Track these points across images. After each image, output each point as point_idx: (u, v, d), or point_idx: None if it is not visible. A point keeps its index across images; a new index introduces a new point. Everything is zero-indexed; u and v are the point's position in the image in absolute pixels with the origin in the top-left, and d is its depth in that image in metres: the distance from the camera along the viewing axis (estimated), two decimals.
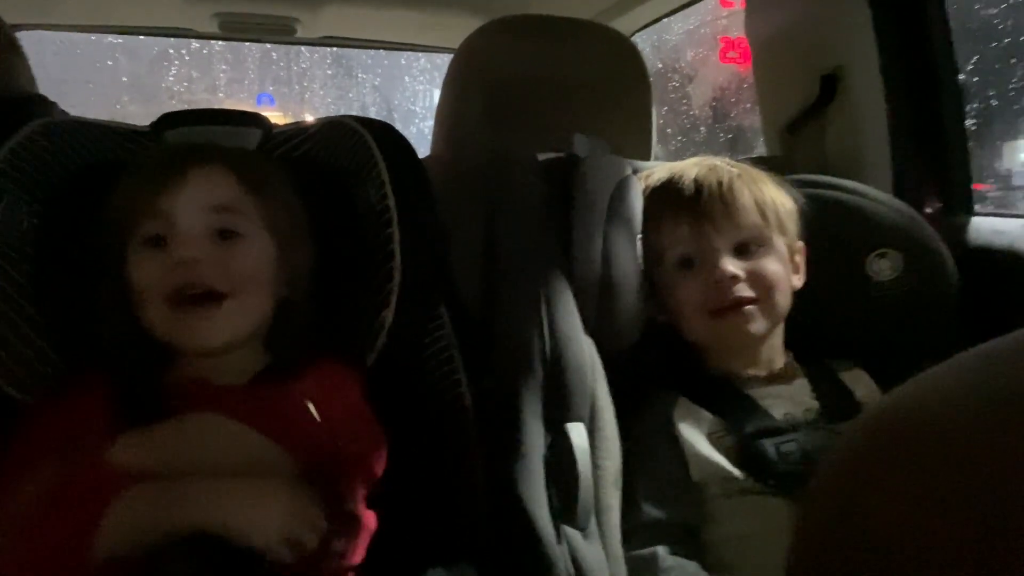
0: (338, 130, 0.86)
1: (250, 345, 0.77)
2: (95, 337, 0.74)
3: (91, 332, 0.74)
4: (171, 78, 3.06)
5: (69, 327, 0.76)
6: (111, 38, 2.81)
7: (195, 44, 2.98)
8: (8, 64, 1.18)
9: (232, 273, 0.72)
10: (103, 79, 2.93)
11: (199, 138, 0.82)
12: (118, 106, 2.88)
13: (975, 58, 1.24)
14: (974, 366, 0.25)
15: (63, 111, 0.93)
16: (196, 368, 0.74)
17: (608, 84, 1.25)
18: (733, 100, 2.29)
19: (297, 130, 0.88)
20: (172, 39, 2.78)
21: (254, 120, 0.87)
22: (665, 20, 1.93)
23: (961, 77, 1.14)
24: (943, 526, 0.24)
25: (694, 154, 1.02)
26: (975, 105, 1.21)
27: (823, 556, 0.28)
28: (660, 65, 2.36)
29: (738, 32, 1.86)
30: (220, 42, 2.73)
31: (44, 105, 0.96)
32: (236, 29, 1.92)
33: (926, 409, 0.26)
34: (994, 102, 1.27)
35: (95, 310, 0.74)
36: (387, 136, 0.85)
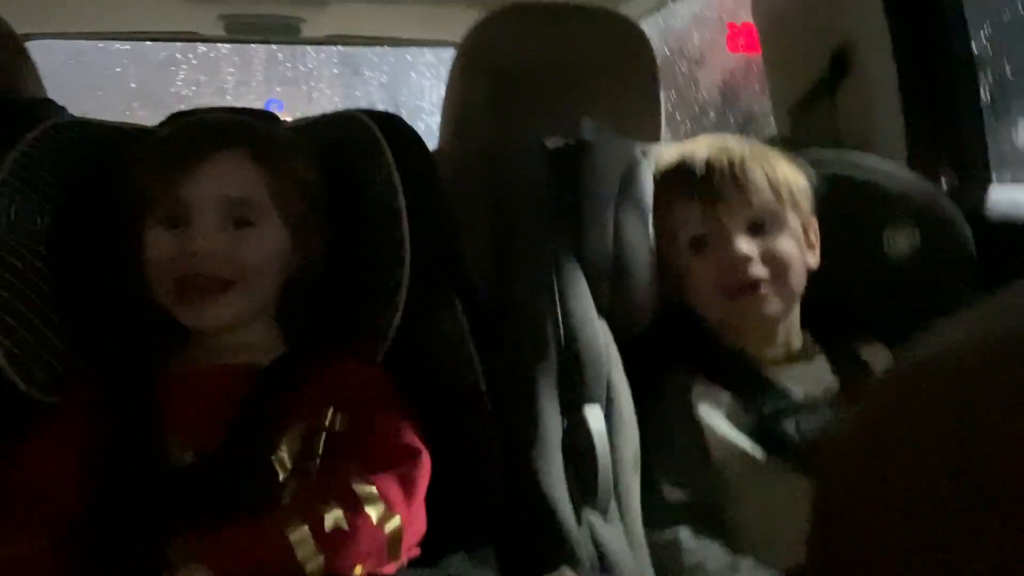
0: (345, 121, 0.86)
1: (261, 323, 0.78)
2: (108, 329, 0.75)
3: (105, 326, 0.75)
4: (179, 82, 3.07)
5: (85, 326, 0.77)
6: (119, 45, 2.83)
7: (202, 48, 2.99)
8: (19, 73, 1.20)
9: (242, 262, 0.74)
10: (112, 86, 2.95)
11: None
12: (127, 112, 2.89)
13: (988, 29, 1.22)
14: (993, 312, 0.25)
15: (72, 116, 0.94)
16: (209, 349, 0.76)
17: (616, 69, 1.24)
18: (742, 84, 2.27)
19: (305, 123, 0.89)
20: (179, 44, 2.80)
21: (263, 116, 0.88)
22: (672, 5, 1.92)
23: (974, 48, 1.12)
24: (970, 476, 0.23)
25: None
26: (988, 76, 1.19)
27: (844, 520, 0.27)
28: (667, 51, 2.35)
29: (745, 16, 1.85)
30: (227, 45, 2.74)
31: (54, 109, 0.97)
32: (242, 31, 1.93)
33: (938, 362, 0.25)
34: (1009, 74, 1.25)
35: (109, 298, 0.76)
36: (394, 126, 0.86)
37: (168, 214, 0.74)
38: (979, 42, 1.16)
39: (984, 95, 1.15)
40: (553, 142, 1.00)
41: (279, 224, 0.77)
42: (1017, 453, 0.22)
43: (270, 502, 0.67)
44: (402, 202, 0.80)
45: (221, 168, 0.75)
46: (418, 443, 0.72)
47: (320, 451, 0.72)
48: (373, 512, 0.65)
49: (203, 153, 0.74)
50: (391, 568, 0.66)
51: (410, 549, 0.69)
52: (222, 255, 0.73)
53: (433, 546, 0.71)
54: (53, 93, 1.55)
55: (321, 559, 0.61)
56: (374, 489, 0.66)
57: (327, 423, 0.73)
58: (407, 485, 0.69)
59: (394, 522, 0.66)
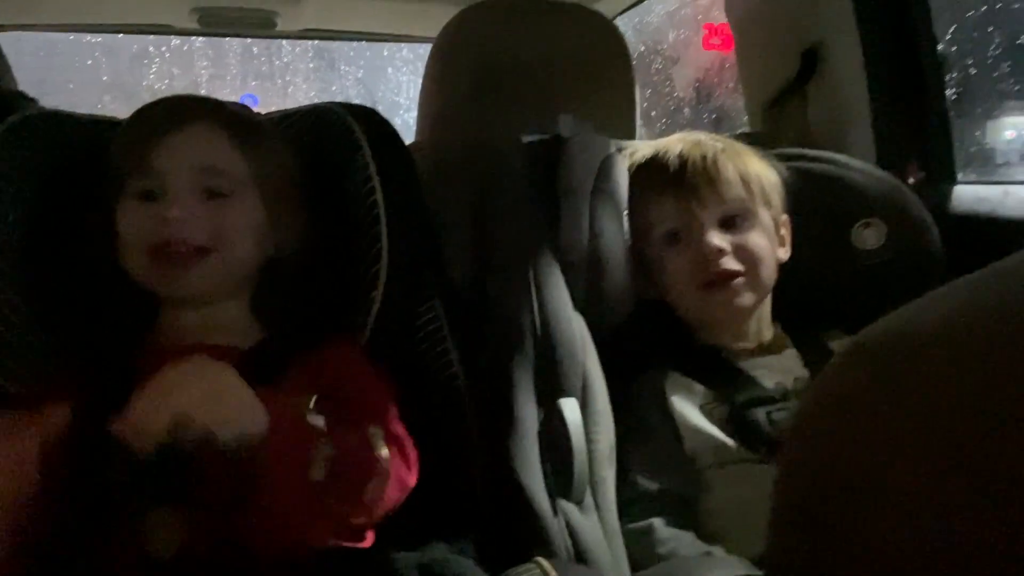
0: (322, 115, 0.86)
1: (237, 302, 0.77)
2: (83, 314, 0.75)
3: (80, 312, 0.75)
4: (152, 76, 3.03)
5: (60, 314, 0.76)
6: (90, 38, 2.78)
7: (175, 41, 2.95)
8: None
9: (217, 230, 0.73)
10: (84, 79, 2.90)
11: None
12: (99, 106, 2.85)
13: (953, 27, 1.25)
14: (955, 292, 0.26)
15: (44, 108, 0.93)
16: (183, 328, 0.75)
17: (591, 66, 1.25)
18: (716, 81, 2.29)
19: (282, 116, 0.88)
20: (152, 37, 2.76)
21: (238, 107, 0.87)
22: (646, 2, 1.93)
23: (940, 47, 1.15)
24: (934, 450, 0.23)
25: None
26: (954, 75, 1.22)
27: (808, 498, 0.27)
28: (643, 47, 2.36)
29: (719, 14, 1.86)
30: (200, 38, 2.71)
31: (25, 102, 0.96)
32: (215, 24, 1.91)
33: (909, 334, 0.25)
34: (972, 71, 1.28)
35: (84, 282, 0.75)
36: (371, 121, 0.86)
37: (142, 188, 0.73)
38: (945, 42, 1.19)
39: (949, 94, 1.17)
40: (530, 137, 1.01)
41: (255, 198, 0.77)
42: (978, 429, 0.23)
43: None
44: (380, 196, 0.81)
45: (195, 138, 0.74)
46: (403, 433, 0.72)
47: None
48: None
49: (177, 123, 0.74)
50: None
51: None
52: (197, 222, 0.72)
53: (412, 535, 0.72)
54: (24, 85, 1.53)
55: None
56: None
57: (310, 406, 0.72)
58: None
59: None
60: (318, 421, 0.64)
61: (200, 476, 0.58)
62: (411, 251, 0.82)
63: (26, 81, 1.58)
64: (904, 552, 0.24)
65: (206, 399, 0.57)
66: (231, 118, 0.77)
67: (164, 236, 0.71)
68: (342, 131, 0.84)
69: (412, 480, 0.70)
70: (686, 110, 2.45)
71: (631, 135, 1.29)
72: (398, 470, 0.68)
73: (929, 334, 0.25)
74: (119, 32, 2.23)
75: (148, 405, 0.56)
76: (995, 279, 0.25)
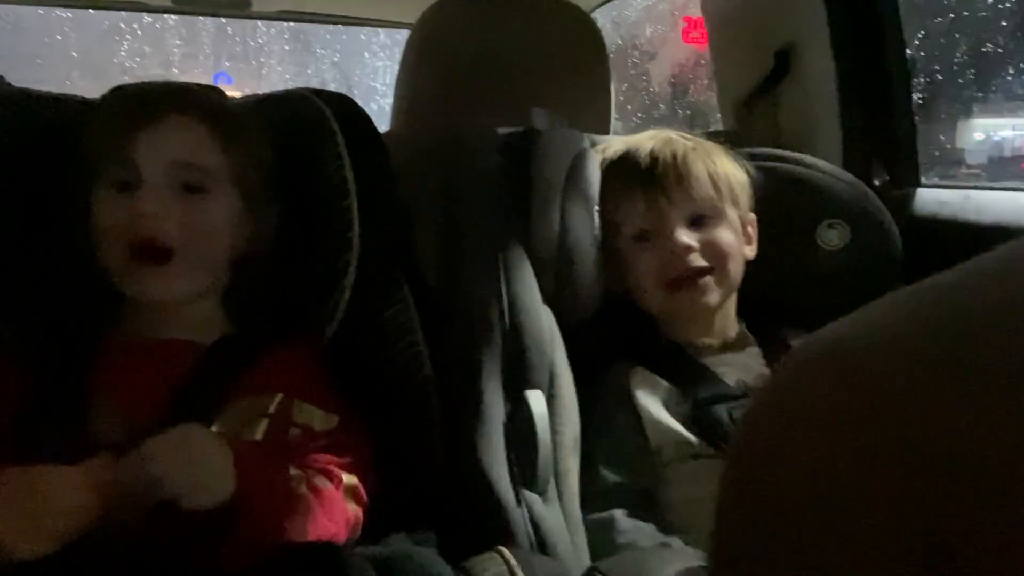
0: (296, 101, 0.86)
1: (206, 300, 0.77)
2: (46, 299, 0.73)
3: (44, 297, 0.74)
4: (123, 53, 2.97)
5: (23, 298, 0.75)
6: (59, 12, 2.72)
7: (147, 18, 2.90)
8: None
9: (192, 229, 0.73)
10: (52, 54, 2.84)
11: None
12: (68, 82, 2.79)
13: (921, 33, 1.27)
14: (902, 301, 0.26)
15: (11, 85, 0.91)
16: (151, 321, 0.75)
17: (567, 59, 1.25)
18: (692, 77, 2.31)
19: (255, 101, 0.88)
20: (124, 13, 2.71)
21: (211, 91, 0.86)
22: None
23: (908, 52, 1.17)
24: (867, 462, 0.24)
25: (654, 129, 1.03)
26: (921, 79, 1.24)
27: (747, 504, 0.28)
28: (620, 42, 2.37)
29: (696, 10, 1.88)
30: (173, 16, 2.66)
31: None
32: (189, 2, 1.88)
33: (849, 340, 0.26)
34: (939, 76, 1.30)
35: (49, 267, 0.74)
36: (345, 108, 0.85)
37: (118, 178, 0.72)
38: (913, 48, 1.21)
39: (916, 99, 1.20)
40: (504, 129, 1.02)
41: (233, 194, 0.76)
42: (930, 434, 0.23)
43: None
44: (352, 185, 0.80)
45: (173, 130, 0.73)
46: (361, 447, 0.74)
47: (259, 437, 0.71)
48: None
49: (154, 115, 0.73)
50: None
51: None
52: (172, 220, 0.71)
53: (375, 526, 0.73)
54: None
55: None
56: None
57: (271, 410, 0.72)
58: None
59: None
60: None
61: (172, 530, 0.61)
62: (382, 241, 0.82)
63: None
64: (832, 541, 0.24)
65: (182, 468, 0.60)
66: (211, 111, 0.76)
67: (139, 233, 0.70)
68: (317, 118, 0.84)
69: (350, 516, 0.71)
70: (661, 105, 2.47)
71: (606, 129, 1.30)
72: (328, 509, 0.68)
73: (864, 346, 0.26)
74: (89, 7, 2.19)
75: (128, 472, 0.59)
76: (936, 292, 0.26)
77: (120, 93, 0.80)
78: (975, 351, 0.23)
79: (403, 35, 1.31)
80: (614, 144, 0.99)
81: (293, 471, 0.68)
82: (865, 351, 0.26)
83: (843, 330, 0.28)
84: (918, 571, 0.23)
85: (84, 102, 0.84)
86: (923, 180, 1.18)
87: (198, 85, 0.88)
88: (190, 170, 0.73)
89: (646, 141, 0.96)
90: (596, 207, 0.93)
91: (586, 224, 0.92)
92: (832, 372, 0.27)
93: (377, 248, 0.82)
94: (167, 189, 0.72)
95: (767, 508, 0.27)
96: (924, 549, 0.22)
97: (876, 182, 1.15)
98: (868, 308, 0.27)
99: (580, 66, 1.27)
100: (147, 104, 0.75)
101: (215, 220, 0.74)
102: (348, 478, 0.71)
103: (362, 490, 0.72)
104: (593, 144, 1.00)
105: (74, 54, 2.97)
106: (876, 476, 0.24)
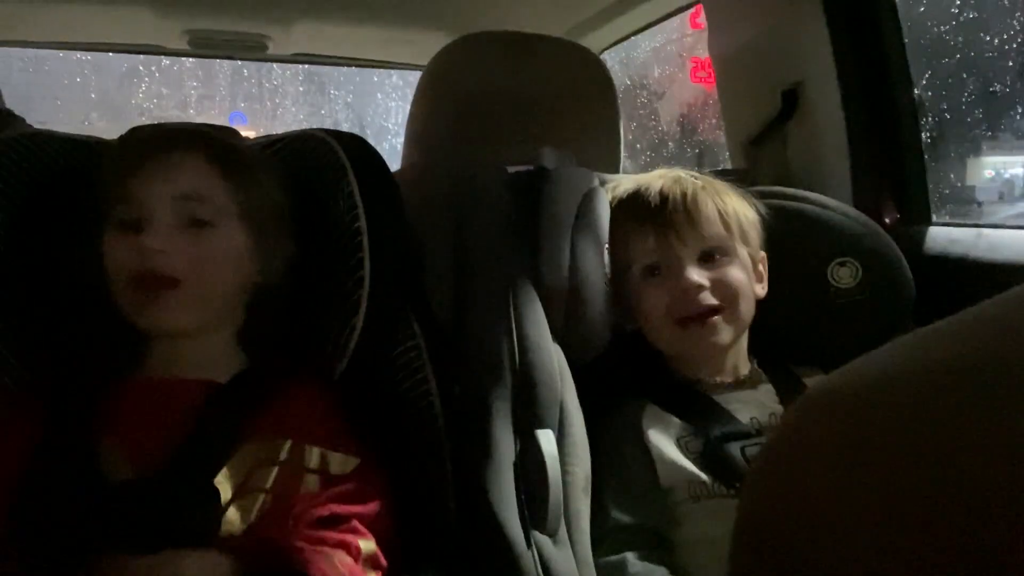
0: (308, 141, 0.87)
1: (221, 336, 0.77)
2: (63, 339, 0.74)
3: (60, 336, 0.74)
4: (141, 95, 3.05)
5: (38, 337, 0.76)
6: (79, 54, 2.79)
7: (165, 61, 2.97)
8: None
9: (198, 260, 0.73)
10: (71, 96, 2.91)
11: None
12: (86, 123, 2.86)
13: (928, 73, 1.28)
14: (914, 343, 0.27)
15: (30, 126, 0.93)
16: (166, 360, 0.75)
17: (577, 99, 1.27)
18: (700, 116, 2.33)
19: (268, 141, 0.89)
20: (142, 56, 2.77)
21: (225, 131, 0.88)
22: (633, 39, 1.97)
23: (915, 92, 1.18)
24: (877, 501, 0.24)
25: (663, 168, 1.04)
26: (929, 118, 1.25)
27: (763, 540, 0.28)
28: (628, 81, 2.40)
29: (704, 51, 1.91)
30: (191, 59, 2.72)
31: (11, 119, 0.96)
32: (206, 46, 1.92)
33: (861, 383, 0.26)
34: (948, 115, 1.31)
35: (66, 307, 0.75)
36: (357, 147, 0.87)
37: (125, 217, 0.73)
38: (920, 87, 1.22)
39: (924, 138, 1.20)
40: (514, 168, 1.03)
41: (239, 227, 0.77)
42: (919, 481, 0.23)
43: (206, 528, 0.66)
44: (364, 222, 0.81)
45: (176, 166, 0.74)
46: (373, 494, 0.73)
47: (269, 485, 0.70)
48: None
49: (157, 152, 0.74)
50: None
51: None
52: (177, 254, 0.72)
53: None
54: (11, 100, 1.53)
55: None
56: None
57: (281, 457, 0.72)
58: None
59: None
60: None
61: None
62: (393, 279, 0.83)
63: (13, 96, 1.58)
64: None
65: None
66: (213, 145, 0.77)
67: (143, 266, 0.71)
68: (328, 158, 0.85)
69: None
70: (670, 144, 2.49)
71: (615, 168, 1.31)
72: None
73: (880, 387, 0.26)
74: (109, 51, 2.24)
75: None
76: (949, 334, 0.26)
77: (134, 134, 0.81)
78: (978, 393, 0.23)
79: (415, 76, 1.33)
80: (624, 182, 1.00)
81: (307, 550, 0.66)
82: (875, 392, 0.26)
83: (854, 372, 0.28)
84: None
85: (101, 143, 0.85)
86: (934, 218, 1.18)
87: (210, 126, 0.90)
88: (194, 203, 0.74)
89: (656, 180, 0.97)
90: (606, 245, 0.93)
91: (596, 262, 0.92)
92: (844, 412, 0.27)
93: (388, 286, 0.82)
94: (172, 223, 0.73)
95: (782, 547, 0.27)
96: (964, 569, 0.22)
97: (887, 219, 1.15)
98: (877, 352, 0.28)
99: (590, 106, 1.28)
100: (153, 143, 0.76)
101: (221, 252, 0.75)
102: (366, 545, 0.70)
103: (381, 556, 0.71)
104: (603, 182, 1.01)
105: (93, 95, 3.04)
106: (895, 509, 0.24)
